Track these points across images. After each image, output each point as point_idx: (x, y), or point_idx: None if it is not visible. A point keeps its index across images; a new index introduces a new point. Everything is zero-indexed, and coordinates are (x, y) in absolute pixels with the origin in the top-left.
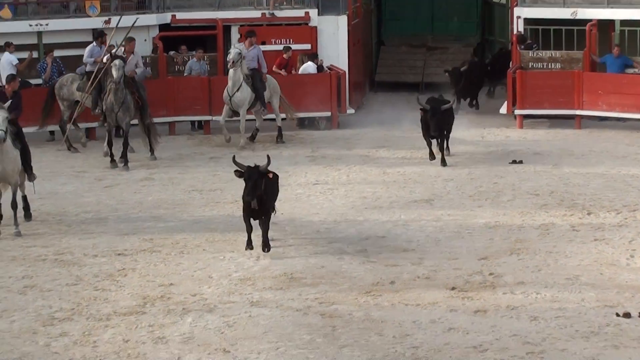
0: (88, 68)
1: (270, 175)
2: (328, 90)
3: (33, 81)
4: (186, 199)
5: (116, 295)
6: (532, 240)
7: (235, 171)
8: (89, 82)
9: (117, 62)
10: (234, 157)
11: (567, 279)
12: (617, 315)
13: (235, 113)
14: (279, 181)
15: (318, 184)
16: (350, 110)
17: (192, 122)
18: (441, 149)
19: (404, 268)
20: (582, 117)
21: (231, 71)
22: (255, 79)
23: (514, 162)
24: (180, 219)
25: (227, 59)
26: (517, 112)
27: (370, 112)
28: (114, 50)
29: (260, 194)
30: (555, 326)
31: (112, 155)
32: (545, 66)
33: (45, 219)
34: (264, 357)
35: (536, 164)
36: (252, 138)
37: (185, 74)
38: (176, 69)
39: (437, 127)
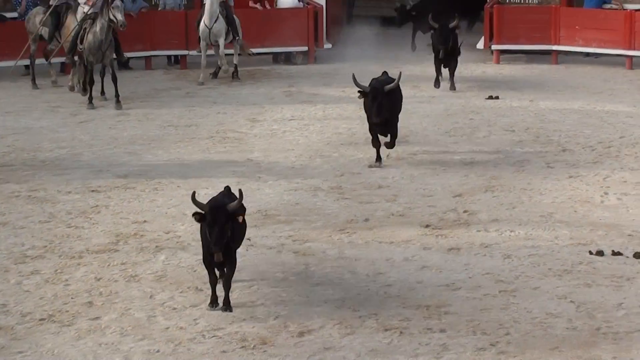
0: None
1: (240, 219)
2: (305, 25)
3: (9, 14)
4: (161, 134)
5: (89, 233)
6: (507, 177)
7: (195, 214)
8: (55, 29)
9: (118, 3)
10: (193, 194)
11: (541, 217)
12: (590, 253)
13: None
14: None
15: (294, 120)
16: (328, 45)
17: (169, 57)
18: (391, 137)
19: (378, 205)
20: (558, 52)
21: (207, 3)
22: (227, 10)
23: (490, 97)
24: (155, 155)
25: None
26: (494, 47)
27: (348, 47)
28: None
29: (227, 241)
30: (528, 264)
31: (91, 95)
32: (522, 1)
33: (19, 155)
34: (237, 295)
35: (512, 100)
36: (215, 75)
37: (159, 8)
38: (152, 2)
39: (378, 112)
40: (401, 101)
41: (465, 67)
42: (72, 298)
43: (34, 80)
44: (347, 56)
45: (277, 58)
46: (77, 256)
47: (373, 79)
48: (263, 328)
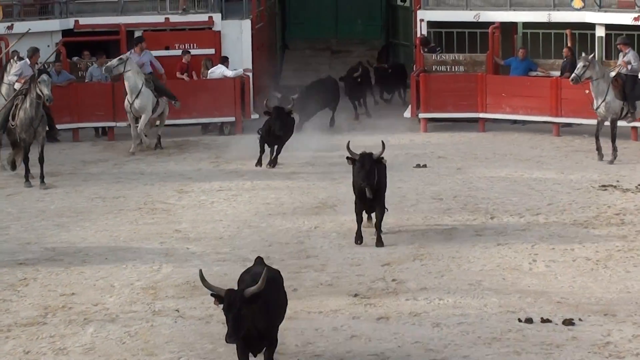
0: (16, 86)
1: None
2: (232, 95)
3: None
4: (89, 206)
5: (17, 306)
6: (435, 245)
7: (214, 295)
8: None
9: (45, 77)
10: (201, 274)
11: (470, 285)
12: (519, 320)
13: (138, 120)
14: None
15: (222, 190)
16: (255, 115)
17: (96, 129)
18: (375, 219)
19: (306, 275)
20: (485, 120)
21: (126, 79)
22: (156, 81)
23: (418, 166)
24: (83, 228)
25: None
26: (421, 115)
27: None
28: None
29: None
30: (458, 332)
31: (27, 172)
32: (449, 69)
33: None
34: None
35: (440, 168)
36: (159, 143)
37: (86, 80)
38: (79, 75)
39: (368, 176)
40: (386, 176)
41: (392, 136)
42: None
43: None
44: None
45: (205, 128)
46: (6, 329)
47: (362, 152)
48: None
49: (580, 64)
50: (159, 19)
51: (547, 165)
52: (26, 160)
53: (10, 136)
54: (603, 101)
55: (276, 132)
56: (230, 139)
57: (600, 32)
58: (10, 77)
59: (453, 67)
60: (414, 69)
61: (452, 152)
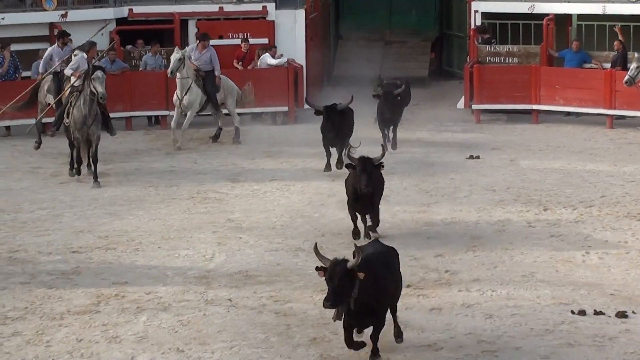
0: (67, 72)
1: (362, 276)
2: (285, 85)
3: None
4: (142, 195)
5: (70, 294)
6: (488, 236)
7: (318, 268)
8: (58, 95)
9: (99, 74)
10: (315, 246)
11: (523, 276)
12: (572, 312)
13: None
14: None
15: (274, 180)
16: (307, 106)
17: (149, 117)
18: (366, 221)
19: None
20: (539, 111)
21: (178, 73)
22: (207, 82)
23: (471, 157)
24: (135, 216)
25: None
26: (474, 106)
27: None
28: (95, 60)
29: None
30: (510, 324)
31: (79, 169)
32: (502, 60)
33: (0, 216)
34: (218, 356)
35: (493, 159)
36: (216, 137)
37: (140, 69)
38: (133, 63)
39: (367, 182)
40: (383, 182)
41: (446, 127)
42: (53, 359)
43: (39, 144)
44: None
45: (257, 118)
46: (59, 317)
47: (360, 156)
48: None
49: (633, 65)
50: (213, 8)
51: (601, 157)
52: (78, 161)
53: (67, 134)
54: None
55: (328, 134)
56: (282, 128)
57: None
58: (66, 70)
59: (507, 58)
60: (468, 60)
61: (505, 143)
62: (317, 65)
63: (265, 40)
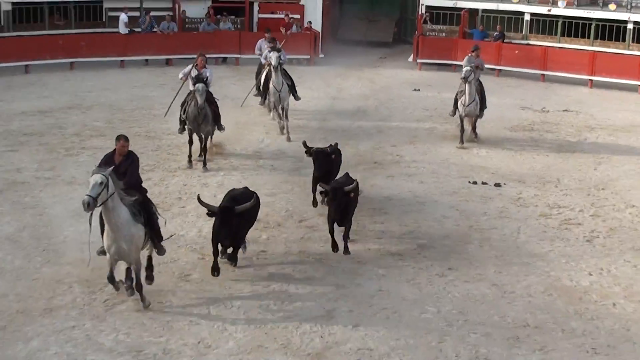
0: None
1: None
2: (309, 42)
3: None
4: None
5: (181, 158)
6: (421, 135)
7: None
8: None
9: (200, 87)
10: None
11: (442, 160)
12: (469, 182)
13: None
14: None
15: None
16: (321, 55)
17: (224, 58)
18: (346, 230)
19: None
20: (455, 65)
21: (274, 74)
22: (286, 75)
23: (415, 89)
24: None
25: (273, 65)
26: (418, 60)
27: (333, 57)
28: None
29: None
30: (433, 187)
31: (190, 156)
32: (436, 34)
33: (140, 111)
34: None
35: (427, 91)
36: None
37: (221, 29)
38: (219, 26)
39: (337, 210)
40: (357, 200)
41: (401, 71)
42: (169, 195)
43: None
44: (333, 62)
45: (292, 61)
46: (173, 171)
47: (334, 181)
48: None
49: (465, 68)
50: None
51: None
52: (190, 144)
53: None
54: None
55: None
56: (306, 67)
57: None
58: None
59: (438, 33)
60: (416, 33)
61: (435, 82)
62: (327, 31)
63: (297, 16)
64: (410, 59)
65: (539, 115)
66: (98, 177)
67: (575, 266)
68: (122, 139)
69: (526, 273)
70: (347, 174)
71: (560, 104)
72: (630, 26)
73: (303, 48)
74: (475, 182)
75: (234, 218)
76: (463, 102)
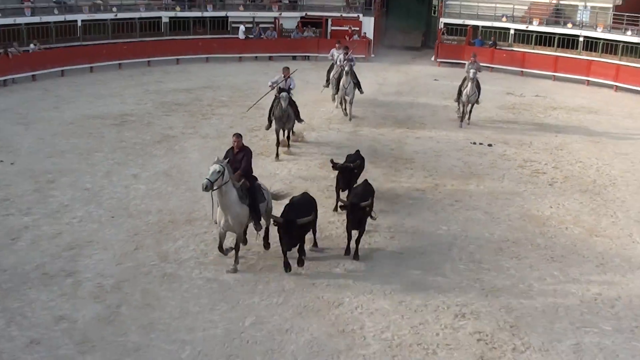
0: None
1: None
2: (364, 47)
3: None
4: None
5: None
6: (425, 118)
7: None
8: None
9: (284, 95)
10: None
11: (450, 122)
12: (471, 143)
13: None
14: None
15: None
16: (372, 55)
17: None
18: (359, 234)
19: None
20: (463, 64)
21: (344, 77)
22: (353, 75)
23: (435, 79)
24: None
25: (345, 70)
26: (438, 60)
27: (382, 57)
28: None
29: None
30: (444, 145)
31: (277, 150)
32: (450, 42)
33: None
34: None
35: (445, 81)
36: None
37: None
38: (305, 35)
39: (354, 222)
40: (372, 206)
41: (426, 67)
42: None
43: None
44: (380, 60)
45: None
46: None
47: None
48: None
49: None
50: (337, 14)
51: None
52: (277, 143)
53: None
54: None
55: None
56: (362, 64)
57: None
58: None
59: (452, 42)
60: (436, 41)
61: (450, 75)
62: (377, 39)
63: (357, 28)
64: (432, 58)
65: (518, 99)
66: (217, 166)
67: (541, 201)
68: (235, 135)
69: (508, 205)
70: (365, 180)
71: (533, 91)
72: (581, 39)
73: (360, 50)
74: (474, 143)
75: (295, 229)
76: (467, 93)
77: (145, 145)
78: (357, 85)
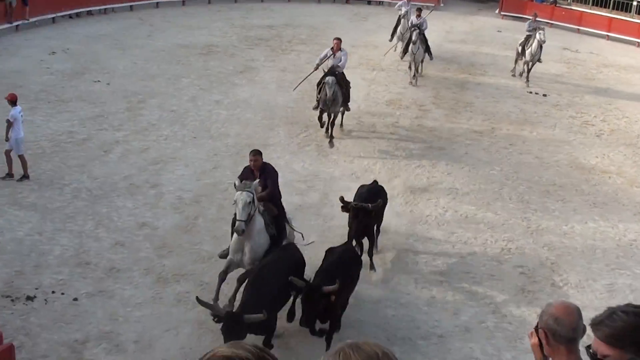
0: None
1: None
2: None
3: None
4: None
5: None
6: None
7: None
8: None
9: (328, 79)
10: None
11: (464, 106)
12: (530, 92)
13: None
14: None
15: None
16: (442, 5)
17: None
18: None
19: None
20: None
21: (412, 45)
22: (423, 41)
23: (499, 31)
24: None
25: (412, 40)
26: (502, 13)
27: (449, 6)
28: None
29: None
30: (465, 122)
31: (326, 129)
32: None
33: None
34: None
35: (508, 32)
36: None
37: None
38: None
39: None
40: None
41: (492, 19)
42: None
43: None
44: (449, 10)
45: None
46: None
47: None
48: None
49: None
50: None
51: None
52: (320, 119)
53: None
54: None
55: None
56: (432, 13)
57: None
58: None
59: None
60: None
61: (509, 27)
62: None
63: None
64: (497, 11)
65: (573, 54)
66: (246, 197)
67: (588, 151)
68: (251, 154)
69: (557, 152)
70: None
71: (588, 48)
72: (634, 3)
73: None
74: (531, 92)
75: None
76: (531, 52)
77: (228, 75)
78: (427, 50)
